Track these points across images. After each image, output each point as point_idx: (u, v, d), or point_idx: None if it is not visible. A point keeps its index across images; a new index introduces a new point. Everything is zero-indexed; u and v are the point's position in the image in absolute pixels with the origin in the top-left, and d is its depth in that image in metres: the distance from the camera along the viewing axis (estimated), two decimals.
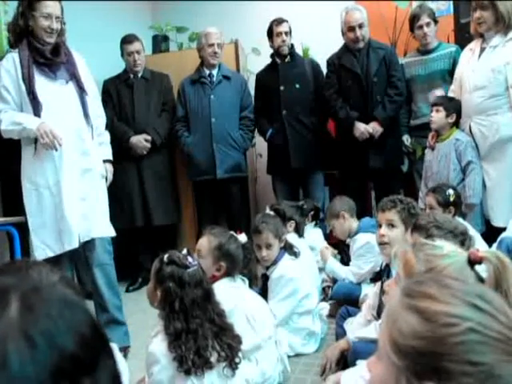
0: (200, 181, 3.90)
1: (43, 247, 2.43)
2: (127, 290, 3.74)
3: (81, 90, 2.53)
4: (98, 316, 2.58)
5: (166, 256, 1.70)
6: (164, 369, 1.61)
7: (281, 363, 2.22)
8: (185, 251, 1.73)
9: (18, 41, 2.43)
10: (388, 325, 0.69)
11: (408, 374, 0.64)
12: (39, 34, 2.41)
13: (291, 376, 2.27)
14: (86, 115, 2.55)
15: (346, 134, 3.62)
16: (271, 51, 3.91)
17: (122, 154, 3.53)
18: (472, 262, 0.84)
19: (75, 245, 2.44)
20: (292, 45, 3.87)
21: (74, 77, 2.51)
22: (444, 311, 0.64)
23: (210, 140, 3.81)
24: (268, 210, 2.90)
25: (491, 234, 3.02)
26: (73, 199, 2.44)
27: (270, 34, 3.84)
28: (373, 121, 3.53)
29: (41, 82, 2.41)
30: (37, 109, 2.38)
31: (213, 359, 1.61)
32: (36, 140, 2.38)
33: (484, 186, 3.23)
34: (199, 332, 1.60)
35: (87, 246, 2.52)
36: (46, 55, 2.43)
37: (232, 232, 2.26)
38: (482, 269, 1.05)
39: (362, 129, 3.52)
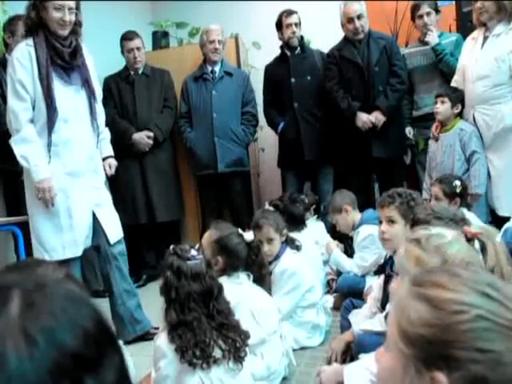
0: (203, 176, 3.91)
1: (42, 251, 2.42)
2: None
3: (92, 95, 2.50)
4: (128, 302, 2.62)
5: (171, 247, 1.70)
6: (171, 363, 1.60)
7: (286, 357, 2.22)
8: (195, 245, 1.73)
9: (30, 34, 2.34)
10: (396, 314, 0.69)
11: (416, 363, 0.64)
12: (52, 27, 2.32)
13: (296, 369, 2.27)
14: (94, 121, 2.54)
15: (349, 125, 3.59)
16: (272, 45, 3.90)
17: (124, 151, 3.53)
18: (468, 239, 0.84)
19: (79, 253, 2.46)
20: (302, 36, 3.85)
21: (87, 81, 2.47)
22: (453, 299, 0.64)
23: (211, 135, 3.82)
24: (267, 206, 2.90)
25: (496, 223, 3.00)
26: (81, 207, 2.45)
27: (280, 25, 3.81)
28: (375, 110, 3.51)
29: (56, 85, 2.35)
30: (52, 115, 2.33)
31: (217, 354, 1.61)
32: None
33: (489, 175, 3.21)
34: (195, 325, 1.59)
35: (103, 240, 2.54)
36: (65, 58, 2.37)
37: (239, 229, 2.25)
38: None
39: (365, 118, 3.50)
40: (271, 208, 2.82)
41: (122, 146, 3.43)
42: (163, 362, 1.62)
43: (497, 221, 3.09)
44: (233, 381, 1.64)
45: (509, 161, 3.13)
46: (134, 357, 2.34)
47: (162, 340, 1.64)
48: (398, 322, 0.67)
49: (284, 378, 2.19)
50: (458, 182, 2.79)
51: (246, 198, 4.06)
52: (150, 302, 2.61)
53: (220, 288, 1.71)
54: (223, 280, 2.04)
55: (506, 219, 2.94)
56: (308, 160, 3.74)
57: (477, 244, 0.83)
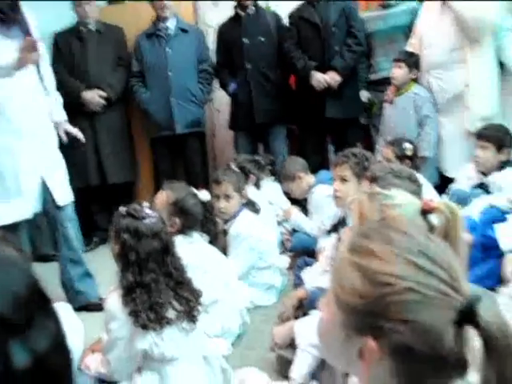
0: (158, 137, 3.82)
1: None
2: (82, 251, 3.66)
3: None
4: (71, 272, 2.56)
5: (123, 209, 1.65)
6: (122, 325, 1.59)
7: (240, 316, 2.25)
8: (145, 204, 1.69)
9: None
10: (333, 277, 0.69)
11: (349, 328, 0.65)
12: None
13: (250, 327, 2.32)
14: (41, 81, 2.43)
15: (304, 85, 3.58)
16: (232, 3, 3.78)
17: (74, 110, 3.38)
18: (425, 211, 0.85)
19: (26, 217, 2.37)
20: None
21: (29, 36, 2.32)
22: (384, 270, 0.63)
23: (167, 95, 3.71)
24: (233, 166, 2.88)
25: (445, 185, 3.11)
26: (30, 170, 2.35)
27: None
28: (331, 70, 3.51)
29: None
30: None
31: (171, 315, 1.60)
32: None
33: (440, 139, 3.30)
34: (153, 287, 1.58)
35: (51, 205, 2.45)
36: (3, 9, 2.24)
37: (193, 188, 2.23)
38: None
39: (320, 78, 3.49)
40: (236, 168, 2.80)
41: (71, 105, 3.28)
42: (115, 324, 1.61)
43: (445, 183, 3.21)
44: (186, 340, 1.65)
45: (459, 125, 3.21)
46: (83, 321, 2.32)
47: (113, 302, 1.61)
48: (334, 285, 0.68)
49: (238, 336, 2.23)
50: (408, 145, 2.86)
51: (201, 160, 4.00)
52: (102, 266, 2.56)
53: (173, 244, 1.69)
54: (178, 240, 2.04)
55: (452, 180, 3.07)
56: (260, 123, 3.71)
57: (435, 219, 0.83)
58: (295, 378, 1.59)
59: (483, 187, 2.74)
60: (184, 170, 3.93)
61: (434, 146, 3.28)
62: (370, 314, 0.63)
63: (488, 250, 2.12)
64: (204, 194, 2.25)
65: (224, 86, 3.86)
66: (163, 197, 2.13)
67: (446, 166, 3.30)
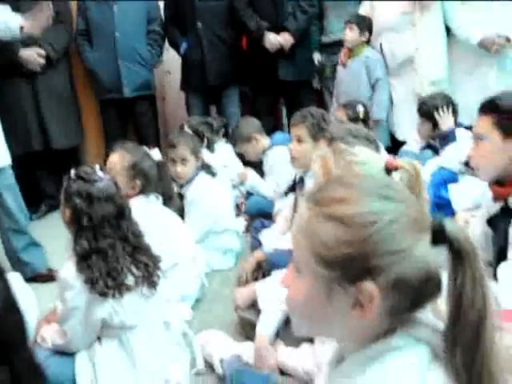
0: (106, 99, 3.67)
1: None
2: (30, 219, 3.49)
3: None
4: (15, 242, 2.45)
5: (73, 172, 1.56)
6: (79, 294, 1.52)
7: (198, 279, 2.24)
8: (97, 166, 1.60)
9: None
10: (306, 239, 0.67)
11: (340, 282, 0.64)
12: None
13: (209, 291, 2.31)
14: None
15: (256, 46, 3.52)
16: None
17: (11, 70, 3.16)
18: (388, 169, 0.85)
19: None
20: None
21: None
22: (360, 211, 0.63)
23: (114, 56, 3.54)
24: (186, 128, 2.79)
25: (396, 148, 3.18)
26: None
27: None
28: (283, 32, 3.45)
29: None
30: None
31: (130, 281, 1.55)
32: None
33: (391, 102, 3.35)
34: (109, 252, 1.52)
35: None
36: None
37: (145, 148, 2.16)
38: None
39: (273, 39, 3.43)
40: (189, 130, 2.72)
41: (9, 65, 3.07)
42: (70, 293, 1.53)
43: (395, 145, 3.27)
44: (146, 307, 1.61)
45: (410, 88, 3.27)
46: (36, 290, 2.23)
47: (68, 271, 1.54)
48: (312, 247, 0.66)
49: (197, 300, 2.22)
50: (361, 108, 2.87)
51: (152, 123, 3.87)
52: (51, 234, 2.45)
53: (129, 208, 1.63)
54: (137, 201, 1.99)
55: (403, 143, 3.14)
56: (212, 84, 3.63)
57: (397, 177, 0.83)
58: (261, 333, 1.60)
59: (432, 148, 2.81)
60: (134, 134, 3.81)
61: (386, 108, 3.33)
62: (362, 257, 0.63)
63: (440, 210, 2.20)
64: (156, 154, 2.21)
65: (174, 46, 3.73)
66: (119, 159, 2.05)
67: (397, 128, 3.37)
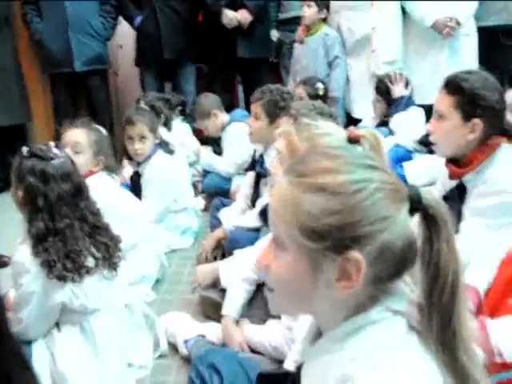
0: (55, 74, 3.50)
1: None
2: None
3: None
4: None
5: (25, 149, 1.47)
6: (35, 278, 1.44)
7: (157, 260, 2.20)
8: (51, 143, 1.52)
9: None
10: (290, 213, 0.66)
11: (327, 253, 0.64)
12: None
13: (168, 270, 2.28)
14: None
15: (213, 22, 3.46)
16: None
17: None
18: (351, 139, 0.85)
19: None
20: None
21: None
22: (347, 180, 0.63)
23: (65, 28, 3.38)
24: (143, 104, 2.70)
25: (351, 125, 3.22)
26: None
27: None
28: (242, 9, 3.39)
29: None
30: None
31: (90, 263, 1.49)
32: None
33: (348, 80, 3.37)
34: (67, 233, 1.45)
35: None
36: None
37: (96, 125, 2.10)
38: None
39: (231, 16, 3.37)
40: (146, 107, 2.63)
41: None
42: (26, 278, 1.44)
43: (350, 123, 3.31)
44: (107, 289, 1.56)
45: (366, 67, 3.30)
46: None
47: (22, 254, 1.45)
48: (296, 219, 0.65)
49: (157, 280, 2.19)
50: (320, 85, 2.88)
51: (104, 99, 3.74)
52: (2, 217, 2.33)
53: (87, 186, 1.56)
54: (99, 177, 1.97)
55: (359, 121, 3.18)
56: (168, 58, 3.53)
57: (359, 147, 0.83)
58: (228, 314, 1.59)
59: (387, 125, 2.86)
60: (86, 110, 3.66)
61: (343, 86, 3.37)
62: (350, 226, 0.62)
63: None
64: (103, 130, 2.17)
65: (128, 19, 3.59)
66: (82, 135, 1.99)
67: (353, 106, 3.41)
